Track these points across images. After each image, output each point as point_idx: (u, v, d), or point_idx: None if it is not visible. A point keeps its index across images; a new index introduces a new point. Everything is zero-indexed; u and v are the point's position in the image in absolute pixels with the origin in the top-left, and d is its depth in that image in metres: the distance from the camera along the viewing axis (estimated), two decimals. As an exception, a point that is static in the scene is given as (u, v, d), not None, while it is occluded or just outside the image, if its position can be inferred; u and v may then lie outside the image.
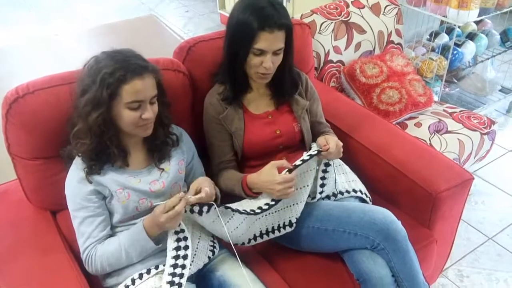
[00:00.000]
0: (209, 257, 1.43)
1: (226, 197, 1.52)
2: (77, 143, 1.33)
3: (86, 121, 1.29)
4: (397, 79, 2.37)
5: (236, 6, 1.51)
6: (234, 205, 1.43)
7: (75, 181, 1.36)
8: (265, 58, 1.47)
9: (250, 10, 1.45)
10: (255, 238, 1.50)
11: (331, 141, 1.50)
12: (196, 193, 1.33)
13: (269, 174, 1.44)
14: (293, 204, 1.51)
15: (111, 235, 1.39)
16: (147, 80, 1.29)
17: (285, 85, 1.63)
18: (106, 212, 1.38)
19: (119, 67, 1.25)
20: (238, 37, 1.49)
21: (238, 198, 1.53)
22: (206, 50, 1.69)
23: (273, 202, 1.46)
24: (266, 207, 1.46)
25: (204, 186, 1.34)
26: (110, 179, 1.36)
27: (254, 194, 1.51)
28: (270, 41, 1.45)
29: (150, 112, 1.32)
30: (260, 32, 1.43)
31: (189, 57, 1.69)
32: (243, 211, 1.41)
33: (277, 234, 1.52)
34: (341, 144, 1.53)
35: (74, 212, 1.37)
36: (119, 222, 1.40)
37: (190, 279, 1.40)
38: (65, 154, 1.39)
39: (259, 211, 1.45)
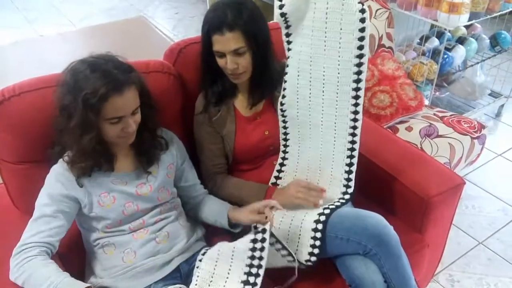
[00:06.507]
0: None
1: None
2: (75, 166, 1.30)
3: (79, 144, 1.26)
4: (388, 83, 2.37)
5: (208, 8, 1.52)
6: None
7: (58, 180, 1.32)
8: (226, 60, 1.47)
9: (210, 12, 1.47)
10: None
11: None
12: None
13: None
14: None
15: (58, 251, 1.33)
16: (127, 94, 1.25)
17: (261, 85, 1.60)
18: (66, 222, 1.31)
19: (99, 84, 1.20)
20: (202, 42, 1.52)
21: None
22: (197, 52, 1.65)
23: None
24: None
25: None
26: (95, 182, 1.34)
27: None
28: (223, 43, 1.44)
29: (132, 125, 1.29)
30: (213, 36, 1.44)
31: (179, 59, 1.67)
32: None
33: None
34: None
35: (37, 206, 1.31)
36: (105, 228, 1.37)
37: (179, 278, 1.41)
38: (54, 156, 1.36)
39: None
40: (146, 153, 1.42)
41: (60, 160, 1.35)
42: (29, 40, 3.75)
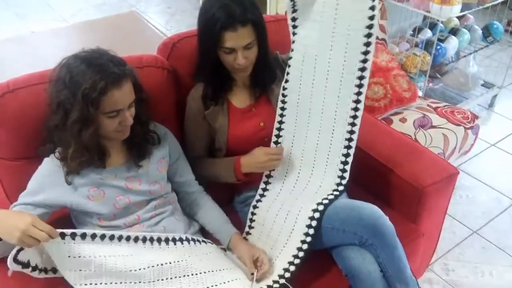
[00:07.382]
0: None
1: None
2: (74, 162, 1.29)
3: (79, 140, 1.26)
4: (382, 74, 2.37)
5: (203, 3, 1.49)
6: None
7: (46, 176, 1.33)
8: (236, 55, 1.45)
9: (213, 8, 1.42)
10: None
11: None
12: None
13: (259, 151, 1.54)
14: None
15: None
16: (125, 87, 1.25)
17: (262, 76, 1.60)
18: (45, 216, 1.32)
19: (98, 78, 1.19)
20: (205, 38, 1.49)
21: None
22: (190, 47, 1.66)
23: None
24: None
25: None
26: (84, 179, 1.34)
27: (244, 177, 1.54)
28: (236, 39, 1.42)
29: (129, 119, 1.30)
30: (224, 33, 1.41)
31: (173, 54, 1.66)
32: None
33: None
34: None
35: (20, 196, 1.33)
36: (99, 222, 1.37)
37: None
38: (45, 153, 1.36)
39: None
40: (137, 147, 1.42)
41: (52, 155, 1.34)
42: (21, 36, 3.72)
